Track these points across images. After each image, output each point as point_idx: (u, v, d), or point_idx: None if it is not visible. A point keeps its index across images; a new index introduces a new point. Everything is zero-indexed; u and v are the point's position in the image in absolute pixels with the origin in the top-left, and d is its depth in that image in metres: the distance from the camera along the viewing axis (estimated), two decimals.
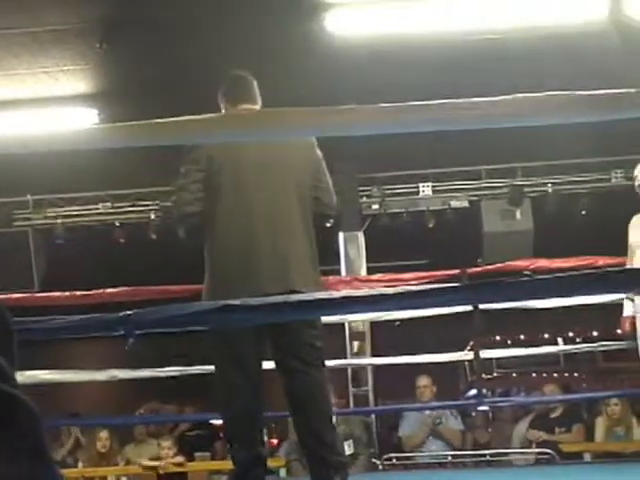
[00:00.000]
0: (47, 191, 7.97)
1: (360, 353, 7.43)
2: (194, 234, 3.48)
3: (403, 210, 8.04)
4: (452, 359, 6.26)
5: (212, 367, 3.53)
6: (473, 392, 8.52)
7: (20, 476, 0.74)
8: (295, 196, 3.43)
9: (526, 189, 7.90)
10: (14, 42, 5.54)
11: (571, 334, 10.57)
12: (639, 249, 4.85)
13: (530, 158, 7.87)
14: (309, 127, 2.32)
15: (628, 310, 5.00)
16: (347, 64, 5.72)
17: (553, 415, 7.27)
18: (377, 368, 7.79)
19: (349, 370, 7.56)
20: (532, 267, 5.34)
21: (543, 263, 5.38)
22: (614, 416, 6.93)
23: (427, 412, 7.08)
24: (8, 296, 5.46)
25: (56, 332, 2.98)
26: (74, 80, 6.17)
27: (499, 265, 5.55)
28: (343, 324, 7.23)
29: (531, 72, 5.38)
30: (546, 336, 10.37)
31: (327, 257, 7.20)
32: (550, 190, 7.95)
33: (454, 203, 8.01)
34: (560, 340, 10.22)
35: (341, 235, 7.79)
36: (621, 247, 5.07)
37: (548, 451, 6.76)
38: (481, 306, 5.08)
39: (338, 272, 7.58)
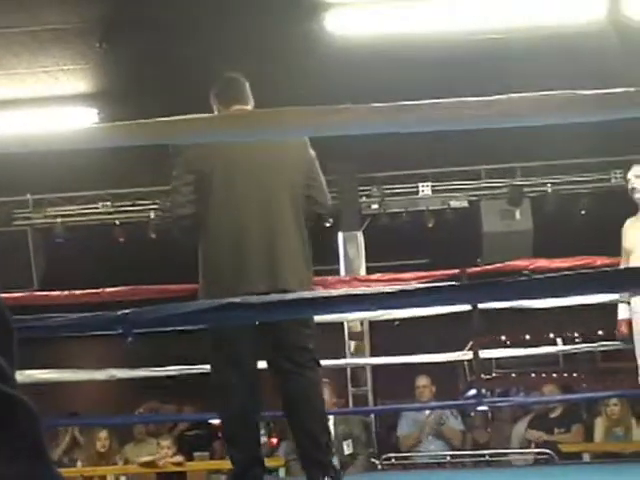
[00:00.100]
0: (47, 190, 7.97)
1: (357, 353, 7.43)
2: (188, 235, 3.51)
3: (402, 210, 8.04)
4: (451, 359, 6.25)
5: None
6: (472, 392, 8.52)
7: (19, 476, 0.74)
8: (287, 196, 3.44)
9: (526, 189, 7.91)
10: (14, 41, 5.54)
11: (571, 334, 10.58)
12: (634, 252, 4.85)
13: (530, 158, 7.87)
14: (307, 127, 2.32)
15: (623, 313, 5.00)
16: (347, 64, 5.72)
17: (552, 415, 7.27)
18: (376, 368, 7.79)
19: (348, 370, 7.57)
20: (531, 267, 5.33)
21: (542, 263, 5.37)
22: (613, 416, 6.94)
23: (426, 412, 7.08)
24: (7, 295, 5.46)
25: (55, 330, 2.99)
26: (74, 79, 6.17)
27: (498, 265, 5.55)
28: (342, 324, 7.23)
29: (530, 72, 5.38)
30: (545, 336, 10.38)
31: (326, 257, 7.23)
32: (550, 190, 7.96)
33: (453, 203, 8.01)
34: (559, 340, 10.22)
35: (340, 235, 7.80)
36: (620, 247, 5.07)
37: (547, 451, 6.76)
38: (480, 306, 5.08)
39: (337, 272, 7.58)
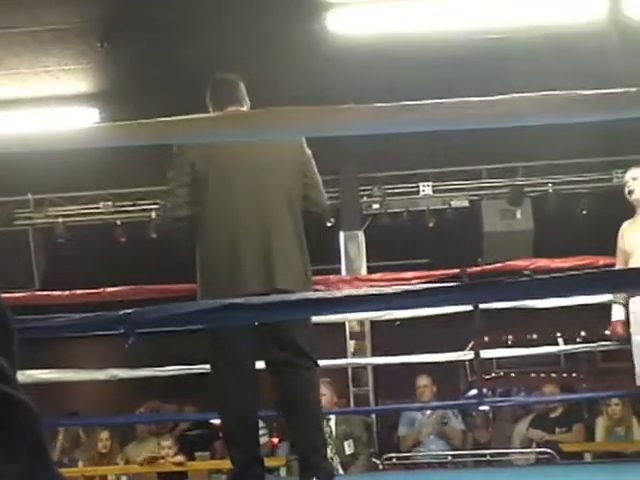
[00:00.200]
0: (48, 190, 7.97)
1: (356, 353, 7.43)
2: (185, 236, 3.51)
3: (403, 209, 8.04)
4: (452, 359, 6.25)
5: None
6: (473, 392, 8.52)
7: (19, 476, 0.74)
8: (283, 197, 3.44)
9: (526, 189, 7.90)
10: (15, 41, 5.55)
11: (576, 334, 10.56)
12: (634, 254, 4.85)
13: (530, 158, 7.87)
14: (309, 127, 2.32)
15: (618, 314, 5.00)
16: (349, 64, 5.72)
17: (553, 415, 7.27)
18: (377, 368, 7.79)
19: (349, 370, 7.57)
20: (532, 267, 5.33)
21: (543, 263, 5.37)
22: (615, 416, 6.93)
23: (427, 412, 7.08)
24: (8, 295, 5.46)
25: (56, 331, 2.99)
26: (75, 79, 6.17)
27: (499, 265, 5.54)
28: (344, 324, 7.23)
29: (531, 72, 5.37)
30: (552, 336, 10.37)
31: (328, 256, 7.23)
32: (550, 190, 7.96)
33: (454, 203, 8.01)
34: (560, 340, 10.22)
35: (342, 234, 7.81)
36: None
37: (548, 451, 6.76)
38: (481, 306, 5.08)
39: (338, 271, 7.59)
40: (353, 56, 5.60)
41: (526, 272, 5.20)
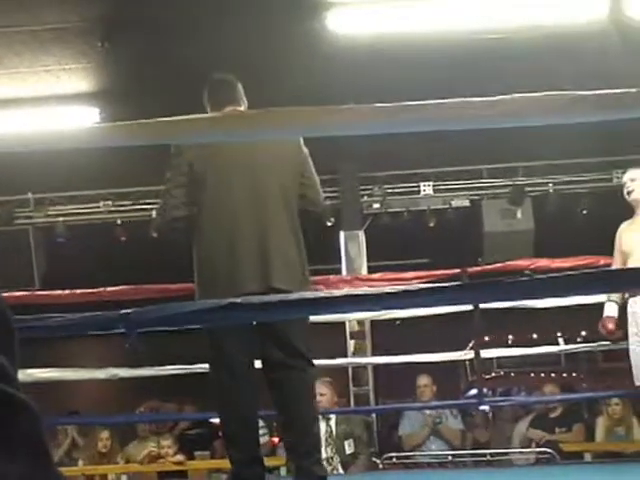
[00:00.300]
0: (48, 189, 7.97)
1: (357, 353, 7.43)
2: (182, 237, 3.52)
3: (404, 209, 8.04)
4: (452, 358, 6.25)
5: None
6: (474, 392, 8.52)
7: (20, 476, 0.74)
8: (280, 197, 3.44)
9: (527, 188, 7.90)
10: (15, 40, 5.54)
11: (577, 334, 10.56)
12: (633, 255, 4.85)
13: (531, 158, 7.87)
14: (308, 127, 2.32)
15: (610, 311, 5.00)
16: (349, 63, 5.72)
17: (553, 415, 7.26)
18: (377, 367, 7.79)
19: (350, 369, 7.57)
20: (533, 267, 5.34)
21: (544, 263, 5.37)
22: (615, 416, 6.93)
23: (427, 412, 7.08)
24: (9, 294, 5.45)
25: (56, 330, 2.99)
26: (75, 79, 6.17)
27: (500, 264, 5.55)
28: (344, 323, 7.23)
29: (531, 72, 5.37)
30: (553, 336, 10.37)
31: (328, 256, 7.23)
32: (551, 190, 7.96)
33: (455, 202, 8.01)
34: (560, 340, 10.22)
35: (342, 234, 7.80)
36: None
37: (548, 451, 6.76)
38: (481, 305, 5.08)
39: (339, 271, 7.59)
40: (353, 56, 5.60)
41: (526, 272, 5.20)
